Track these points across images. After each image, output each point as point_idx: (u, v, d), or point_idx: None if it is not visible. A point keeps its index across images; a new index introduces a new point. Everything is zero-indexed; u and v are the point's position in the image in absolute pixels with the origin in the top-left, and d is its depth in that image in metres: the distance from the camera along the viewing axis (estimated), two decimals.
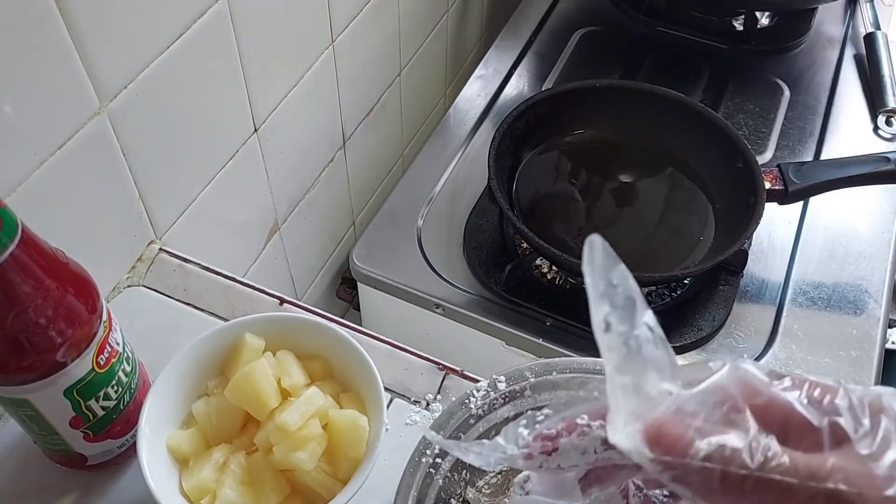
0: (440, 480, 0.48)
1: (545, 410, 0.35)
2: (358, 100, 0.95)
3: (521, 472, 0.46)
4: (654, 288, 0.81)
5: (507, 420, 0.50)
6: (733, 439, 0.29)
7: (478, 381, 0.60)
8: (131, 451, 0.53)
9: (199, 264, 0.68)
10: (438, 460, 0.48)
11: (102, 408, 0.49)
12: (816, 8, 1.13)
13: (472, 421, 0.49)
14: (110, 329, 0.48)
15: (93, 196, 0.59)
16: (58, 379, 0.45)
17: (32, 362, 0.43)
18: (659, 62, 1.08)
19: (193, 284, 0.66)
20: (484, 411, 0.50)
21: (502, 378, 0.50)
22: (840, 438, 0.30)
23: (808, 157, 0.96)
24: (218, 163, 0.73)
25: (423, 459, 0.47)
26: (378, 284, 0.85)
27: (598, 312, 0.32)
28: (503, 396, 0.50)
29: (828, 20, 1.13)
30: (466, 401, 0.49)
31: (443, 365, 0.61)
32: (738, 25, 1.10)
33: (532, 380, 0.50)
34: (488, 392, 0.50)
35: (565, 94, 0.87)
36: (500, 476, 0.52)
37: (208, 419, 0.51)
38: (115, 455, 0.53)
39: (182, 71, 0.62)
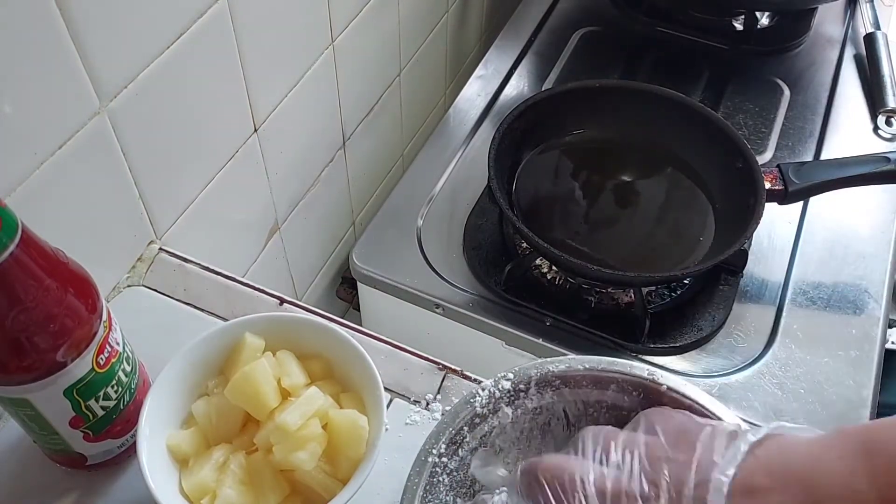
0: (446, 479, 0.48)
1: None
2: (358, 100, 0.95)
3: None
4: (654, 288, 0.82)
5: (512, 421, 0.50)
6: None
7: (479, 380, 0.60)
8: (131, 450, 0.53)
9: (199, 264, 0.68)
10: (444, 460, 0.48)
11: (102, 408, 0.49)
12: (816, 8, 1.13)
13: (476, 420, 0.49)
14: (110, 329, 0.48)
15: (93, 196, 0.59)
16: (58, 379, 0.45)
17: (32, 362, 0.43)
18: (659, 62, 1.08)
19: (193, 284, 0.66)
20: (489, 410, 0.49)
21: (510, 376, 0.50)
22: None
23: (808, 157, 0.96)
24: (218, 163, 0.73)
25: (429, 459, 0.47)
26: (378, 284, 0.85)
27: None
28: (508, 395, 0.50)
29: (828, 20, 1.13)
30: (472, 399, 0.49)
31: (443, 365, 0.61)
32: (738, 25, 1.10)
33: (536, 378, 0.50)
34: (493, 391, 0.50)
35: (565, 94, 0.87)
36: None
37: (208, 419, 0.51)
38: (114, 455, 0.53)
39: (182, 71, 0.62)
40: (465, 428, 0.49)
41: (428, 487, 0.47)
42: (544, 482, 0.41)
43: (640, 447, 0.40)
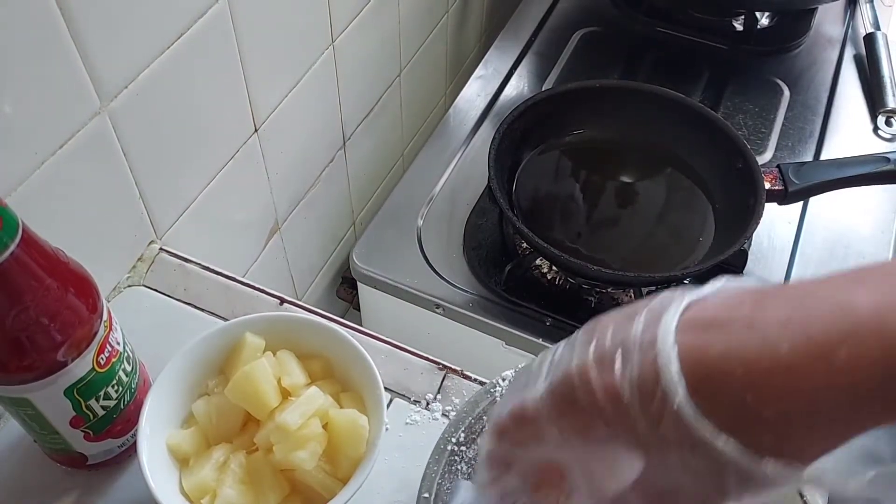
0: (464, 468, 0.48)
1: None
2: (358, 100, 0.95)
3: None
4: (653, 288, 0.82)
5: None
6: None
7: (479, 381, 0.60)
8: (131, 450, 0.53)
9: (199, 264, 0.68)
10: (463, 448, 0.48)
11: (103, 407, 0.49)
12: (816, 8, 1.13)
13: None
14: (111, 328, 0.48)
15: (93, 196, 0.59)
16: (58, 378, 0.45)
17: (33, 362, 0.43)
18: (659, 62, 1.08)
19: (193, 284, 0.66)
20: None
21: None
22: None
23: (808, 157, 0.96)
24: (218, 162, 0.73)
25: (448, 447, 0.47)
26: (378, 284, 0.85)
27: None
28: None
29: (828, 20, 1.13)
30: (492, 389, 0.49)
31: (443, 365, 0.61)
32: (738, 25, 1.10)
33: None
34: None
35: (565, 94, 0.88)
36: None
37: (208, 419, 0.51)
38: (115, 454, 0.53)
39: (182, 71, 0.62)
40: (485, 418, 0.49)
41: (445, 475, 0.47)
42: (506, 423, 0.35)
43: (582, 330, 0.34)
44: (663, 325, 0.29)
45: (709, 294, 0.31)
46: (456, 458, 0.48)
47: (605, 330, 0.31)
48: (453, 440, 0.48)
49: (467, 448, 0.48)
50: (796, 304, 0.28)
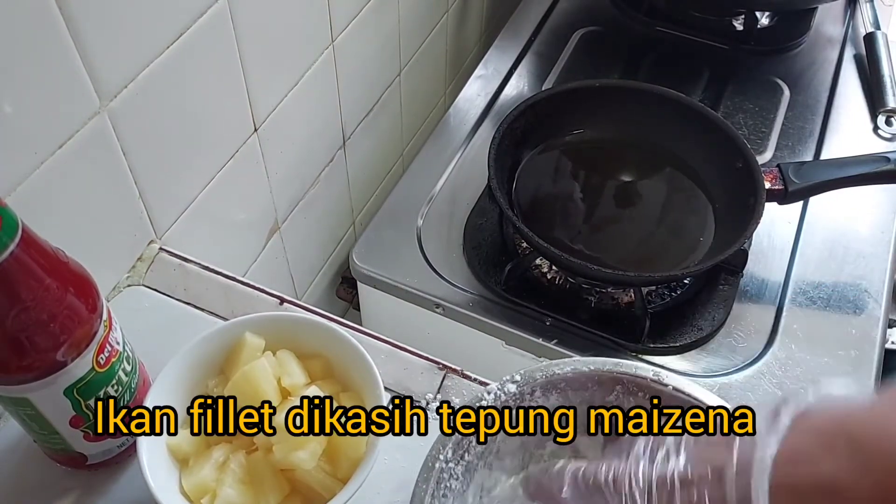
0: (454, 485, 0.48)
1: None
2: (358, 100, 0.95)
3: None
4: (653, 288, 0.82)
5: None
6: None
7: (479, 381, 0.60)
8: (131, 450, 0.53)
9: (199, 264, 0.68)
10: (451, 465, 0.47)
11: None
12: (816, 8, 1.13)
13: None
14: (110, 328, 0.48)
15: (93, 195, 0.59)
16: (58, 378, 0.45)
17: (33, 361, 0.43)
18: (659, 62, 1.08)
19: (193, 284, 0.66)
20: None
21: (517, 378, 0.49)
22: None
23: (808, 157, 0.96)
24: (218, 162, 0.73)
25: (437, 465, 0.47)
26: (378, 284, 0.85)
27: None
28: (513, 398, 0.49)
29: (828, 20, 1.13)
30: (477, 404, 0.49)
31: (443, 364, 0.61)
32: (738, 25, 1.10)
33: (541, 381, 0.49)
34: (498, 394, 0.49)
35: (565, 94, 0.88)
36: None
37: None
38: (115, 454, 0.53)
39: (182, 70, 0.62)
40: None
41: (435, 493, 0.46)
42: (593, 485, 0.42)
43: (686, 441, 0.41)
44: (756, 473, 0.35)
45: (784, 438, 0.36)
46: (445, 475, 0.47)
47: (702, 455, 0.38)
48: (441, 457, 0.47)
49: (455, 465, 0.48)
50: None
